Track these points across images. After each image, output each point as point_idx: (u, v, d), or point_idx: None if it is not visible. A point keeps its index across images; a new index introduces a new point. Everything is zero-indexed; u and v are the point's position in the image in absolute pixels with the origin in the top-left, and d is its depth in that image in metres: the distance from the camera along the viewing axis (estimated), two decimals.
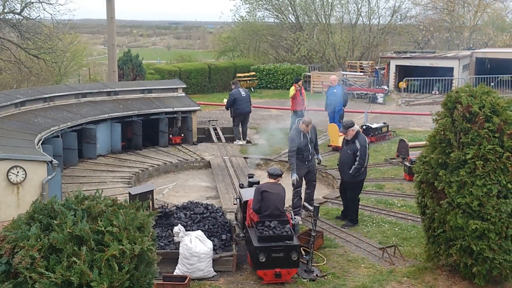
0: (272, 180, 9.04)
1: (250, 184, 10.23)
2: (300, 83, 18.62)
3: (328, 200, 12.22)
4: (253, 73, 32.67)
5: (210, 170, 15.36)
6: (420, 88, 30.68)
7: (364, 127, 17.63)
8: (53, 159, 10.47)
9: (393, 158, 15.38)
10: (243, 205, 9.50)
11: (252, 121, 21.52)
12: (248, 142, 18.30)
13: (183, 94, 18.60)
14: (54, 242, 4.67)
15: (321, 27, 39.77)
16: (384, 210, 11.45)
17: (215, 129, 19.15)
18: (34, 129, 12.95)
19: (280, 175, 9.17)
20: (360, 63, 35.26)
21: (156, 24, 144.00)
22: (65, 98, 15.91)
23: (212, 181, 14.36)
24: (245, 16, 42.62)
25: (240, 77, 31.30)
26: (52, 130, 13.41)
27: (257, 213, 8.74)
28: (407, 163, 13.60)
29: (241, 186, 10.49)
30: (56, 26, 24.36)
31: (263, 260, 8.13)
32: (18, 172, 9.89)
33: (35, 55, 23.50)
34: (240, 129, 18.27)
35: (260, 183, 9.90)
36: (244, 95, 18.05)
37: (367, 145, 10.58)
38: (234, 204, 10.90)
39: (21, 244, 4.68)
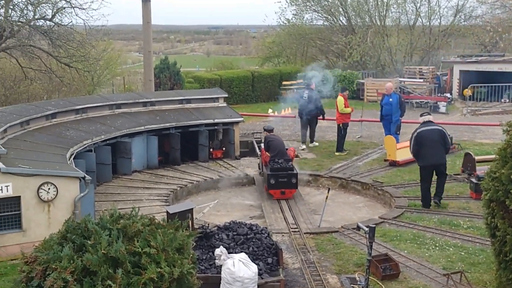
0: (271, 133, 15.30)
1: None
2: (346, 93, 18.67)
3: (385, 220, 12.06)
4: (301, 80, 32.63)
5: (254, 187, 15.40)
6: (487, 95, 30.14)
7: None
8: (86, 175, 10.67)
9: (458, 174, 15.12)
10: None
11: (298, 133, 21.47)
12: (296, 156, 18.27)
13: (225, 104, 18.75)
14: (88, 264, 4.75)
15: (376, 29, 39.50)
16: (448, 232, 11.25)
17: (259, 142, 19.17)
18: (66, 142, 13.24)
19: (273, 128, 15.95)
20: (419, 68, 34.81)
21: (195, 29, 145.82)
22: (99, 109, 16.27)
23: (257, 199, 14.38)
24: (292, 18, 42.81)
25: (286, 85, 31.33)
26: (85, 144, 13.70)
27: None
28: (473, 180, 13.36)
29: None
30: (89, 32, 24.82)
31: (273, 182, 13.69)
32: (49, 188, 10.12)
33: (66, 63, 24.03)
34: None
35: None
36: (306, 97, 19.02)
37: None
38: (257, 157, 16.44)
39: (53, 266, 4.77)
